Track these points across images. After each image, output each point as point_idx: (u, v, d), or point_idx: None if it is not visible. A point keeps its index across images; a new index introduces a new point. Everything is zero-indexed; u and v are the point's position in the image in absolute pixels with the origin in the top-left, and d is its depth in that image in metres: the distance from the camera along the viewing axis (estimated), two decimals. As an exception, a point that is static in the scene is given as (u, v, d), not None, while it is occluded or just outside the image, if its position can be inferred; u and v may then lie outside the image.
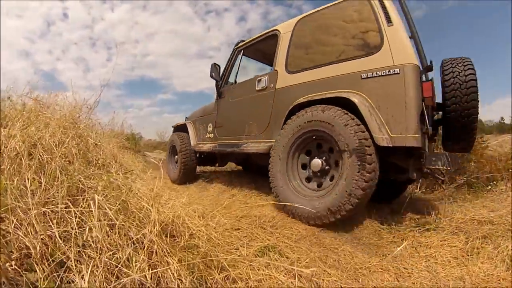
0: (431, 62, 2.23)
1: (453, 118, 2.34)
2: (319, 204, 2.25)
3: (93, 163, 2.34)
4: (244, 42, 3.79)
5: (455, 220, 2.38)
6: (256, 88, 3.29)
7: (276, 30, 3.24)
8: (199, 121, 4.52)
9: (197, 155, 4.49)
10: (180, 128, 5.00)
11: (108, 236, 1.37)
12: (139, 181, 2.39)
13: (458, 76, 2.29)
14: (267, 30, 3.40)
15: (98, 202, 1.54)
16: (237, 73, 3.98)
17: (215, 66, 3.94)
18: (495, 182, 3.58)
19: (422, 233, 2.24)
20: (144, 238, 1.46)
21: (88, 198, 1.62)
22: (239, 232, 2.06)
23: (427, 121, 2.17)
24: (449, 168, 2.16)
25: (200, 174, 4.99)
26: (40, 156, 1.89)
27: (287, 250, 1.86)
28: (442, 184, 3.40)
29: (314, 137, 2.49)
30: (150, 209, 1.62)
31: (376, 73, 2.26)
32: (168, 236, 1.66)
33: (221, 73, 4.00)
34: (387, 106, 2.18)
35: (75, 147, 2.27)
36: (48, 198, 1.58)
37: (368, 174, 2.07)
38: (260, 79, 3.27)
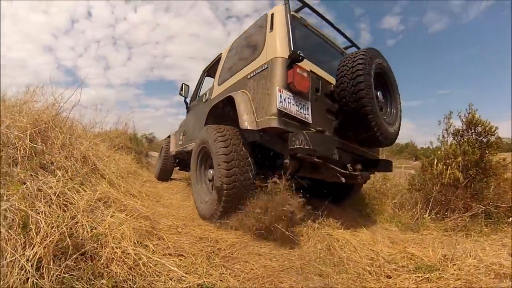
0: (294, 51, 2.34)
1: (344, 104, 2.52)
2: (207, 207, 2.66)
3: (46, 166, 2.13)
4: (207, 66, 4.59)
5: (465, 269, 1.88)
6: (203, 101, 4.04)
7: (221, 53, 3.94)
8: (177, 132, 5.39)
9: (175, 159, 5.36)
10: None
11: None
12: (89, 189, 2.17)
13: (347, 63, 2.51)
14: (218, 54, 4.09)
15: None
16: (199, 91, 4.79)
17: (184, 86, 4.90)
18: None
19: (419, 285, 1.78)
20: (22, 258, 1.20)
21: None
22: (179, 260, 1.81)
23: (299, 106, 2.37)
24: (307, 148, 2.11)
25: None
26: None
27: (226, 294, 1.58)
28: (358, 181, 2.93)
29: (206, 152, 2.89)
30: (45, 226, 1.37)
31: (255, 72, 2.64)
32: (78, 258, 1.41)
33: (191, 92, 4.97)
34: (257, 96, 2.51)
35: (27, 147, 2.08)
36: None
37: (227, 182, 2.34)
38: (206, 93, 4.03)
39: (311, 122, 2.43)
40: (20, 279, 1.19)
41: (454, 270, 1.87)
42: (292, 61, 2.37)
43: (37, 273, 1.23)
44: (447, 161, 3.35)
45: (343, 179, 2.53)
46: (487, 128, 3.42)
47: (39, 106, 2.75)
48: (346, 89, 2.46)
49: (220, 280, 1.62)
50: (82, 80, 2.76)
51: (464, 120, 3.56)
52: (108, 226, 1.76)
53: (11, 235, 1.33)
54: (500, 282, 1.73)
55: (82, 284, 1.30)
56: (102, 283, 1.35)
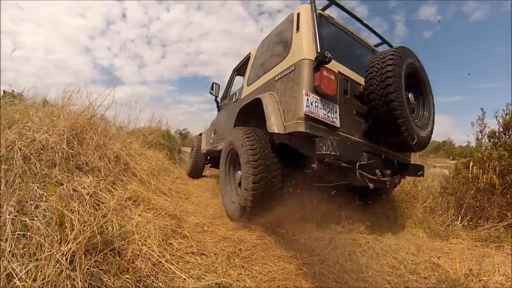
0: (320, 53, 2.29)
1: (373, 107, 2.46)
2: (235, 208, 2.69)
3: (81, 167, 2.32)
4: (237, 65, 4.61)
5: (491, 286, 1.83)
6: (233, 100, 4.09)
7: (250, 53, 3.95)
8: (208, 130, 5.53)
9: (206, 157, 5.48)
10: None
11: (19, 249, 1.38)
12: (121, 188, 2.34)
13: (376, 64, 2.46)
14: (247, 53, 4.10)
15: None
16: (229, 90, 4.84)
17: (215, 85, 5.00)
18: None
19: None
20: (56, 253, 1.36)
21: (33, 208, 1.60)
22: (201, 258, 1.93)
23: (327, 109, 2.32)
24: (333, 153, 2.08)
25: None
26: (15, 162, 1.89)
27: (241, 294, 1.68)
28: (390, 186, 2.80)
29: (234, 153, 2.93)
30: (78, 224, 1.53)
31: (283, 74, 2.62)
32: (108, 253, 1.56)
33: (222, 91, 5.04)
34: (285, 99, 2.50)
35: (64, 150, 2.27)
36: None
37: (253, 184, 2.34)
38: (236, 93, 4.09)
39: (339, 126, 2.38)
40: (55, 271, 1.34)
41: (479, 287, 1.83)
42: (319, 63, 2.33)
43: (70, 266, 1.39)
44: (483, 164, 3.19)
45: (371, 185, 2.48)
46: None
47: (76, 109, 2.97)
48: (375, 92, 2.41)
49: (238, 281, 1.71)
50: (114, 84, 2.94)
51: (501, 121, 3.36)
52: (136, 224, 1.92)
53: (48, 232, 1.50)
54: None
55: (109, 277, 1.46)
56: (127, 278, 1.49)
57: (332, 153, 2.08)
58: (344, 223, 2.60)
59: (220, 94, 5.04)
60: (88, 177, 2.22)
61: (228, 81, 4.88)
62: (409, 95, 2.55)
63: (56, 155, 2.23)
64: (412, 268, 2.15)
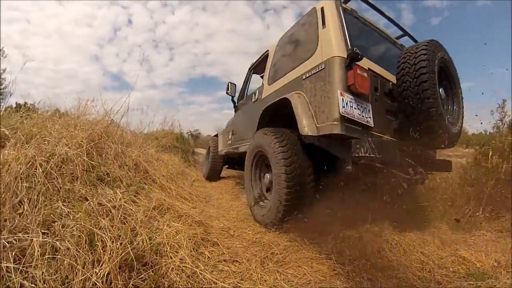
0: (351, 50, 2.14)
1: (406, 105, 2.31)
2: (265, 212, 2.53)
3: (103, 178, 2.21)
4: (253, 62, 4.34)
5: None
6: (252, 100, 3.80)
7: (268, 50, 3.69)
8: (225, 131, 5.20)
9: (224, 159, 5.20)
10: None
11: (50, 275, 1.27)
12: (144, 197, 2.23)
13: (408, 60, 2.29)
14: (265, 51, 3.82)
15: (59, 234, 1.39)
16: (247, 89, 4.56)
17: (231, 85, 4.69)
18: None
19: None
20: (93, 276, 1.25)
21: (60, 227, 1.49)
22: (234, 266, 1.81)
23: (361, 109, 2.17)
24: (373, 156, 1.93)
25: (240, 181, 5.11)
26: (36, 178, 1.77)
27: (280, 299, 1.53)
28: (419, 183, 2.73)
29: (261, 156, 2.80)
30: (109, 242, 1.41)
31: (311, 72, 2.42)
32: (140, 269, 1.46)
33: (238, 91, 4.76)
34: (315, 99, 2.32)
35: (84, 162, 2.16)
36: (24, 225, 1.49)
37: (287, 188, 2.23)
38: (255, 92, 3.77)
39: (373, 125, 2.22)
40: None
41: (508, 279, 1.74)
42: (351, 60, 2.16)
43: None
44: (503, 153, 3.04)
45: (405, 185, 2.33)
46: None
47: (92, 118, 2.86)
48: (409, 89, 2.25)
49: (274, 286, 1.60)
50: (129, 92, 2.82)
51: None
52: (166, 236, 1.80)
53: (80, 253, 1.38)
54: None
55: None
56: None
57: (372, 155, 1.94)
58: (370, 221, 2.47)
59: (237, 94, 4.77)
60: (111, 189, 2.11)
61: (245, 80, 4.59)
62: (440, 90, 2.37)
63: (77, 168, 2.10)
64: (440, 262, 2.04)
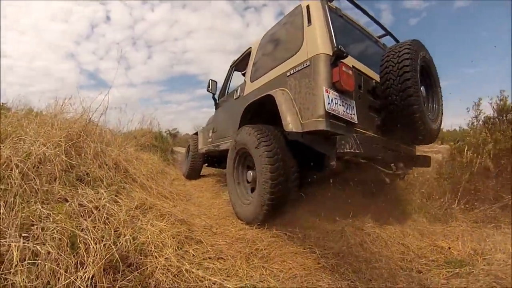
0: (337, 47, 2.18)
1: (389, 102, 2.36)
2: (248, 210, 2.52)
3: (82, 178, 2.14)
4: (234, 60, 4.30)
5: (495, 264, 1.82)
6: (234, 97, 3.76)
7: (250, 47, 3.66)
8: (205, 129, 5.15)
9: (204, 157, 5.14)
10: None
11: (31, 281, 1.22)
12: (126, 197, 2.19)
13: (391, 59, 2.34)
14: (247, 47, 3.81)
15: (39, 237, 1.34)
16: (229, 87, 4.51)
17: (212, 82, 4.64)
18: None
19: (449, 280, 1.73)
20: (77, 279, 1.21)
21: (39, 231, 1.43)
22: (220, 263, 1.79)
23: (345, 106, 2.20)
24: (358, 151, 1.98)
25: (220, 179, 5.09)
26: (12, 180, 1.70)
27: (268, 295, 1.54)
28: (399, 179, 2.91)
29: (244, 153, 2.78)
30: (93, 243, 1.37)
31: (296, 69, 2.43)
32: (125, 270, 1.42)
33: (219, 88, 4.72)
34: (300, 96, 2.33)
35: (63, 162, 2.09)
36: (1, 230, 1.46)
37: (272, 185, 2.22)
38: (237, 90, 3.73)
39: (357, 122, 2.26)
40: None
41: (484, 265, 1.83)
42: (336, 58, 2.19)
43: None
44: (477, 149, 3.18)
45: (387, 180, 2.41)
46: None
47: (69, 117, 2.77)
48: (392, 86, 2.30)
49: (261, 281, 1.60)
50: (108, 90, 2.74)
51: (495, 107, 3.35)
52: (150, 235, 1.76)
53: (62, 257, 1.33)
54: None
55: None
56: None
57: (357, 151, 1.97)
58: (352, 215, 2.52)
59: (218, 91, 4.73)
60: (92, 189, 2.06)
61: (226, 77, 4.55)
62: (422, 89, 2.44)
63: (56, 168, 2.03)
64: (420, 252, 2.12)
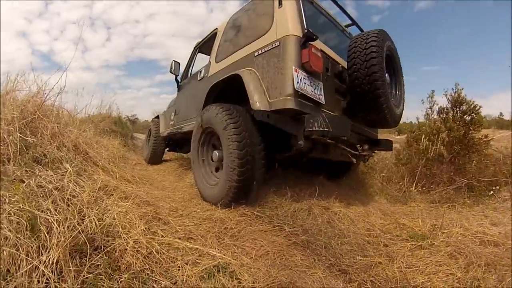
0: (307, 30, 2.24)
1: (356, 86, 2.45)
2: (215, 191, 2.48)
3: (39, 159, 1.98)
4: (198, 42, 4.23)
5: (454, 237, 1.99)
6: (198, 79, 3.71)
7: (216, 29, 3.62)
8: (167, 112, 5.05)
9: (166, 141, 5.02)
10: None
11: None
12: (87, 178, 2.07)
13: (359, 45, 2.43)
14: (212, 29, 3.76)
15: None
16: (192, 69, 4.40)
17: (175, 63, 4.50)
18: (498, 187, 3.19)
19: (414, 251, 1.86)
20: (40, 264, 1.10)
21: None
22: (190, 243, 1.73)
23: (313, 86, 2.26)
24: (326, 130, 2.04)
25: (183, 163, 5.04)
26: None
27: (242, 272, 1.51)
28: (363, 161, 3.04)
29: (209, 132, 2.74)
30: (56, 225, 1.27)
31: (264, 49, 2.45)
32: (92, 253, 1.34)
33: (181, 69, 4.56)
34: (268, 75, 2.36)
35: (17, 142, 1.92)
36: None
37: (239, 165, 2.21)
38: (201, 71, 3.69)
39: (324, 102, 2.32)
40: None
41: (444, 238, 1.98)
42: (306, 39, 2.23)
43: (57, 278, 1.15)
44: (432, 137, 3.43)
45: (354, 160, 2.49)
46: (472, 106, 3.53)
47: (23, 95, 2.54)
48: (359, 71, 2.38)
49: (234, 259, 1.59)
50: (67, 66, 2.56)
51: (450, 98, 3.64)
52: (116, 216, 1.66)
53: (21, 240, 1.21)
54: (485, 248, 1.84)
55: (103, 281, 1.23)
56: (124, 277, 1.27)
57: (326, 129, 2.01)
58: (317, 195, 2.59)
59: (180, 73, 4.60)
60: (51, 170, 1.92)
61: (189, 59, 4.44)
62: (386, 75, 2.55)
63: (9, 148, 1.88)
64: (384, 229, 2.26)
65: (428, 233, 2.10)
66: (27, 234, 1.27)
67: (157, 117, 5.39)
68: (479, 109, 3.54)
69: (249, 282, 1.43)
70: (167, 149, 5.29)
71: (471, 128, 3.48)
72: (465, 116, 3.55)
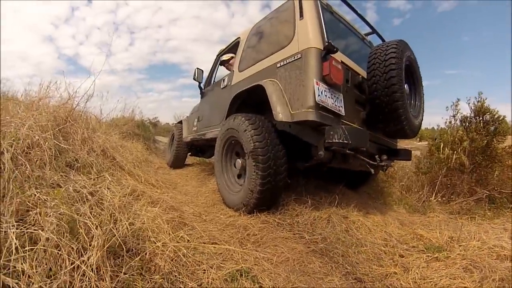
0: (328, 42, 2.29)
1: (375, 97, 2.50)
2: (237, 198, 2.57)
3: (72, 164, 2.13)
4: (222, 49, 4.29)
5: (470, 250, 2.00)
6: (221, 87, 3.76)
7: (239, 37, 3.68)
8: (190, 117, 5.16)
9: (189, 146, 5.13)
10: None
11: (33, 268, 1.19)
12: (116, 183, 2.20)
13: (379, 56, 2.48)
14: (235, 38, 3.83)
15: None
16: (215, 76, 4.54)
17: (198, 70, 4.60)
18: None
19: (429, 263, 1.89)
20: (82, 264, 1.22)
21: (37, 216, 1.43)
22: (214, 248, 1.84)
23: (334, 98, 2.31)
24: (346, 142, 2.09)
25: (205, 168, 5.14)
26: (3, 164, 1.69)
27: (263, 276, 1.60)
28: (382, 170, 2.99)
29: (233, 141, 2.80)
30: (94, 228, 1.39)
31: (286, 61, 2.51)
32: (124, 255, 1.45)
33: (205, 77, 4.70)
34: (290, 87, 2.41)
35: (52, 147, 2.06)
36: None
37: (262, 173, 2.28)
38: (224, 79, 3.73)
39: (344, 114, 2.37)
40: (85, 286, 1.20)
41: (460, 251, 1.99)
42: (327, 52, 2.29)
43: (97, 277, 1.25)
44: (454, 146, 3.42)
45: (372, 170, 2.53)
46: (495, 117, 3.51)
47: (54, 101, 2.71)
48: (378, 83, 2.43)
49: (256, 265, 1.68)
50: (98, 75, 2.72)
51: (472, 108, 3.62)
52: (146, 221, 1.78)
53: (63, 242, 1.31)
54: (501, 263, 1.86)
55: (138, 282, 1.33)
56: (155, 278, 1.38)
57: (345, 141, 2.06)
58: (336, 204, 2.65)
59: (204, 80, 4.72)
60: (83, 174, 2.06)
61: (212, 66, 4.54)
62: (405, 86, 2.58)
63: (45, 153, 2.01)
64: (401, 239, 2.28)
65: (445, 245, 2.12)
66: (67, 236, 1.37)
67: (180, 122, 5.51)
68: (503, 118, 3.51)
69: (269, 286, 1.51)
70: (189, 153, 5.40)
71: (494, 139, 3.45)
72: (488, 126, 3.52)
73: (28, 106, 2.34)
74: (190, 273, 1.52)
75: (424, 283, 1.68)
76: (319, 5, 2.50)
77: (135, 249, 1.56)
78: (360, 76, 2.66)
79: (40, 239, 1.31)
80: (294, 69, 2.40)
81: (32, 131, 2.07)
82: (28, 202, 1.54)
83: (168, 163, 5.42)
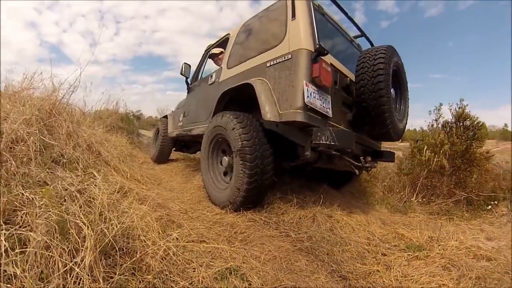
0: (319, 44, 2.33)
1: (362, 101, 2.57)
2: (223, 195, 2.60)
3: (57, 160, 2.09)
4: (210, 45, 4.28)
5: (449, 249, 2.12)
6: (209, 83, 3.75)
7: (228, 34, 3.68)
8: (176, 112, 5.14)
9: (174, 141, 5.12)
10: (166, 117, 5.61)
11: (24, 271, 1.17)
12: (103, 180, 2.18)
13: (367, 61, 2.54)
14: (224, 34, 3.84)
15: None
16: (202, 72, 4.48)
17: (185, 65, 4.55)
18: (496, 202, 3.32)
19: (410, 262, 2.00)
20: (75, 266, 1.22)
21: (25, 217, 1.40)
22: (203, 246, 1.86)
23: (322, 100, 2.35)
24: (333, 144, 2.15)
25: (190, 164, 5.13)
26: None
27: (251, 274, 1.64)
28: (366, 171, 3.16)
29: (220, 139, 2.81)
30: (85, 228, 1.38)
31: (276, 61, 2.53)
32: (115, 255, 1.46)
33: (192, 72, 4.64)
34: (279, 87, 2.43)
35: (37, 142, 2.02)
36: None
37: (249, 172, 2.31)
38: (212, 75, 3.72)
39: (331, 116, 2.41)
40: None
41: (439, 250, 2.10)
42: (318, 54, 2.31)
43: (91, 278, 1.24)
44: (435, 149, 3.57)
45: (356, 171, 2.62)
46: (475, 123, 3.70)
47: (38, 93, 2.64)
48: (366, 86, 2.50)
49: (244, 263, 1.72)
50: (85, 65, 2.66)
51: (454, 113, 3.79)
52: (135, 219, 1.76)
53: (54, 243, 1.29)
54: (478, 262, 1.99)
55: (133, 282, 1.34)
56: (148, 278, 1.39)
57: (332, 143, 2.12)
58: (322, 203, 2.73)
59: (191, 75, 4.65)
60: (70, 171, 2.03)
61: (200, 61, 4.51)
62: (392, 91, 2.65)
63: (30, 148, 1.96)
64: (383, 238, 2.39)
65: (425, 245, 2.24)
66: (58, 237, 1.34)
67: (165, 116, 5.46)
68: (482, 125, 3.69)
69: (258, 284, 1.55)
70: (174, 148, 5.37)
71: (473, 143, 3.61)
72: (467, 132, 3.70)
73: (10, 97, 2.26)
74: (181, 271, 1.54)
75: (405, 281, 1.78)
76: (312, 6, 2.54)
77: (125, 248, 1.56)
78: (348, 79, 2.73)
79: (30, 241, 1.29)
80: (284, 69, 2.42)
81: (16, 124, 2.02)
82: (15, 201, 1.51)
83: (153, 158, 5.38)
